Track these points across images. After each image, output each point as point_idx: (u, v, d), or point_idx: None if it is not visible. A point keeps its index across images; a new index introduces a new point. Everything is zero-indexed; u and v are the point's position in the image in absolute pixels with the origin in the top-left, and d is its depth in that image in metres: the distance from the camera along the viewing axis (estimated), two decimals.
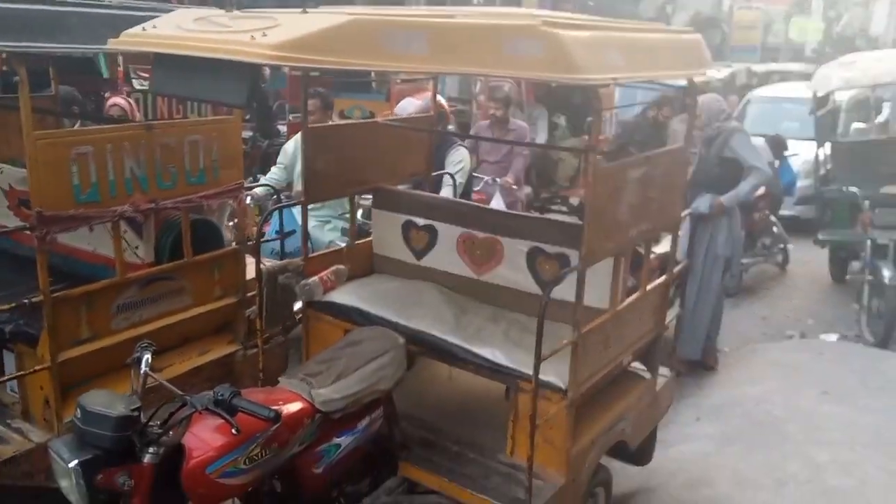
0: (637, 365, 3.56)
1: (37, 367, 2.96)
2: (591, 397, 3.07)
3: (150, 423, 2.21)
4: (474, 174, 6.29)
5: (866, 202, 6.34)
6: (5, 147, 3.94)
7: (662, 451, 4.02)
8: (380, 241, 3.94)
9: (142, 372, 2.36)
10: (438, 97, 4.62)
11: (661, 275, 3.72)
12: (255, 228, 3.77)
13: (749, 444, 4.40)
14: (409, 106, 5.41)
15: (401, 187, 4.16)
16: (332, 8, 2.59)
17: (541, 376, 2.64)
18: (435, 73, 4.37)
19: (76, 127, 4.48)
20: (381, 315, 3.29)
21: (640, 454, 3.70)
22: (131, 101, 5.07)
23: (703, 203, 5.11)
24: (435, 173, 4.46)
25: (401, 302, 3.42)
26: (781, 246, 7.96)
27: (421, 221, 3.75)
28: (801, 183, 8.56)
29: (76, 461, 2.09)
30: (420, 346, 3.16)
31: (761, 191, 6.74)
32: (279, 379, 2.81)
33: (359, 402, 2.77)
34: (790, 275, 8.20)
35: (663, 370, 3.73)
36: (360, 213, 4.70)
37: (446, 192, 4.90)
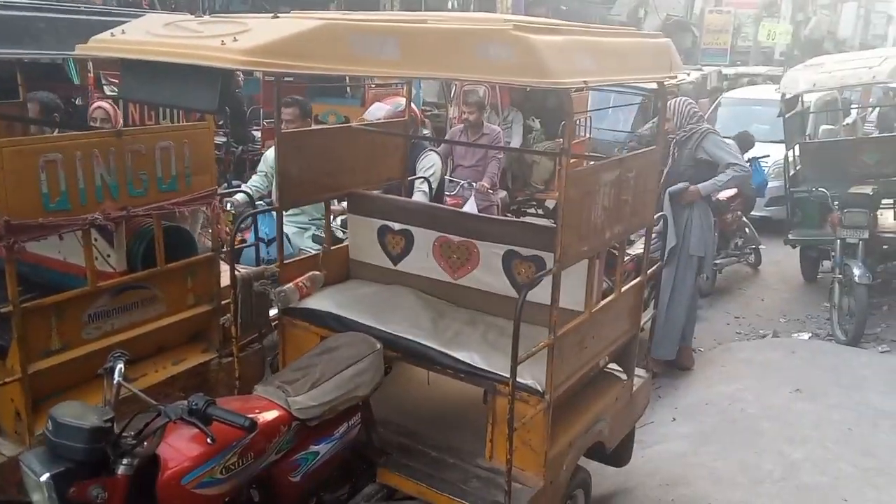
0: (613, 366, 3.59)
1: (7, 380, 2.89)
2: (568, 399, 3.09)
3: (124, 434, 2.18)
4: (450, 178, 6.30)
5: (835, 202, 6.45)
6: None
7: (640, 451, 4.05)
8: (355, 246, 3.93)
9: (115, 382, 2.33)
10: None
11: (635, 276, 3.75)
12: (228, 235, 3.74)
13: (724, 442, 4.45)
14: (378, 111, 5.39)
15: (374, 192, 4.15)
16: (303, 13, 2.58)
17: (518, 379, 2.65)
18: (407, 78, 4.37)
19: (55, 134, 4.39)
20: (358, 320, 3.28)
21: (618, 455, 3.72)
22: (115, 105, 4.99)
23: (680, 185, 5.16)
24: (408, 178, 4.45)
25: (377, 307, 3.41)
26: (754, 246, 8.07)
27: (397, 226, 3.74)
28: (771, 184, 8.68)
29: (48, 474, 2.06)
30: (397, 352, 3.15)
31: (734, 192, 6.83)
32: (255, 387, 2.78)
33: (336, 408, 2.76)
34: (762, 275, 8.32)
35: (639, 371, 3.76)
36: (339, 220, 4.68)
37: (419, 196, 4.89)
